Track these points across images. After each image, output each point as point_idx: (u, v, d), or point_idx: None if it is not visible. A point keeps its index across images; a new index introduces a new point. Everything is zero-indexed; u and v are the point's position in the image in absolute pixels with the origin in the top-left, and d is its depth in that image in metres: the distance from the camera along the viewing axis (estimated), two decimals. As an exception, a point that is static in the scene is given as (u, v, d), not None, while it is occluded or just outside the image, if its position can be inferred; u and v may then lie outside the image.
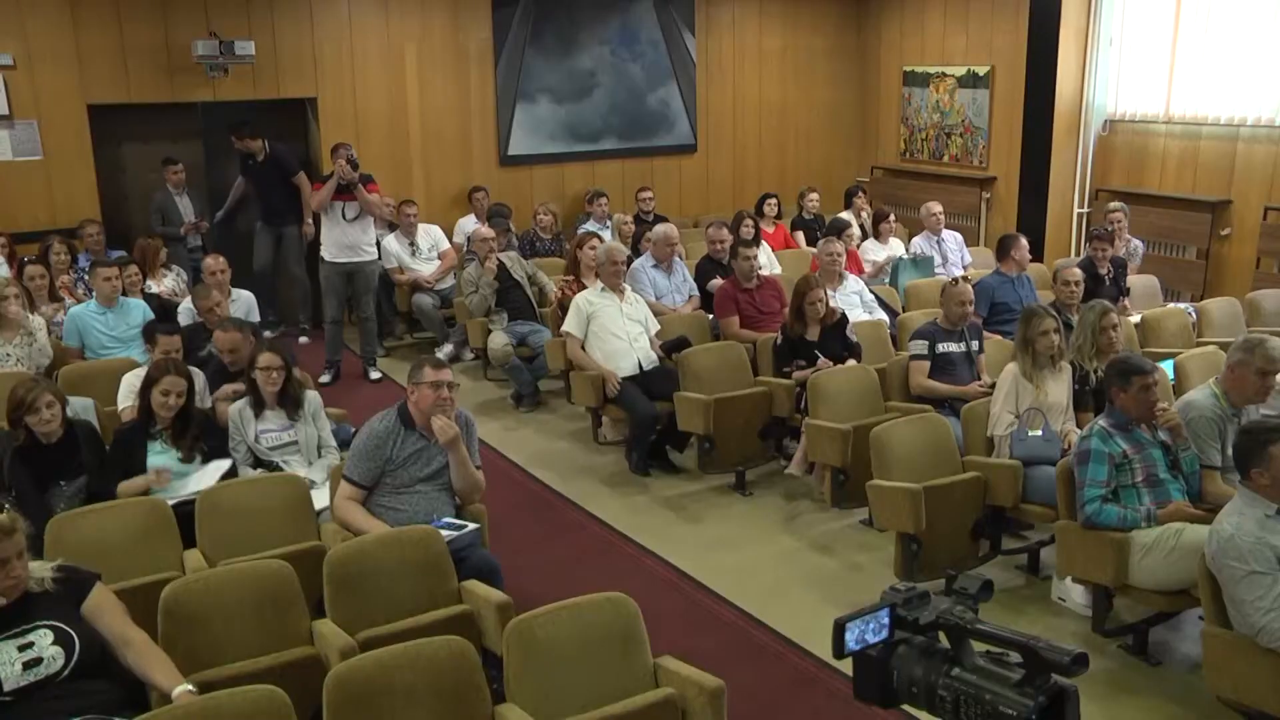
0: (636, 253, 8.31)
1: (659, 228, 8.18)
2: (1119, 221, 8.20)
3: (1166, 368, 5.60)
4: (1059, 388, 5.19)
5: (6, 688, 3.05)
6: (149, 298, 7.22)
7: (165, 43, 8.90)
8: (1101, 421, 4.46)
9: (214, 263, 7.03)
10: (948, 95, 10.98)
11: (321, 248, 8.23)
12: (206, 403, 5.44)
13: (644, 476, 6.46)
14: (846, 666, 2.04)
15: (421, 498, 4.38)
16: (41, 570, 3.28)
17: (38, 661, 3.11)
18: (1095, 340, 5.33)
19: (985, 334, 6.48)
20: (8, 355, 6.22)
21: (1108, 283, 7.44)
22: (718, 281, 7.63)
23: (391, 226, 9.21)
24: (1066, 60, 9.69)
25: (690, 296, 7.79)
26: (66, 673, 3.14)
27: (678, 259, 7.97)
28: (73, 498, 4.62)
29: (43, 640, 3.14)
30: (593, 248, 7.53)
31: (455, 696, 3.15)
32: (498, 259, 8.05)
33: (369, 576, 3.80)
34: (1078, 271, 6.58)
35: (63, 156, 8.76)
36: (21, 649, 3.11)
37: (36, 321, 6.48)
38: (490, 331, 7.92)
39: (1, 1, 8.38)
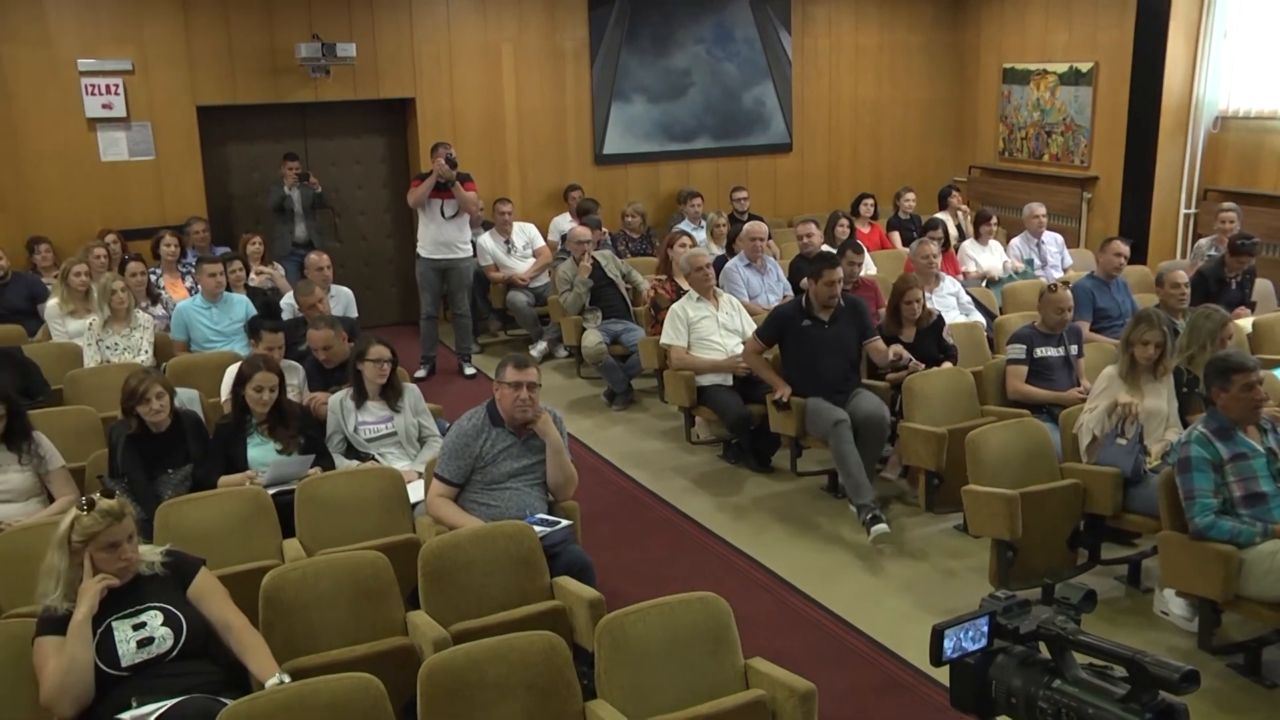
0: (731, 252, 8.29)
1: (745, 225, 8.15)
2: (1230, 222, 7.93)
3: (1279, 375, 5.40)
4: (1158, 397, 5.04)
5: (124, 663, 3.18)
6: (253, 292, 7.41)
7: (270, 45, 9.14)
8: (1201, 426, 4.30)
9: (318, 259, 7.20)
10: (1049, 93, 10.74)
11: (418, 244, 8.37)
12: (305, 396, 5.58)
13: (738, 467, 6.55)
14: (940, 674, 2.01)
15: (514, 494, 4.42)
16: (151, 554, 3.41)
17: (150, 641, 3.23)
18: (1212, 349, 5.14)
19: (1088, 337, 6.33)
20: (115, 345, 6.47)
21: (1233, 287, 7.17)
22: (811, 281, 7.57)
23: (486, 225, 9.33)
24: (1176, 55, 9.40)
25: (784, 296, 7.74)
26: (175, 652, 3.25)
27: (770, 259, 7.93)
28: (179, 485, 4.78)
29: (154, 621, 3.27)
30: (683, 245, 7.53)
31: (546, 691, 3.18)
32: (592, 258, 8.10)
33: (463, 570, 3.85)
34: (1183, 274, 6.38)
35: (173, 156, 9.05)
36: (135, 628, 3.24)
37: (143, 319, 6.70)
38: (584, 330, 7.97)
39: (122, 9, 8.71)
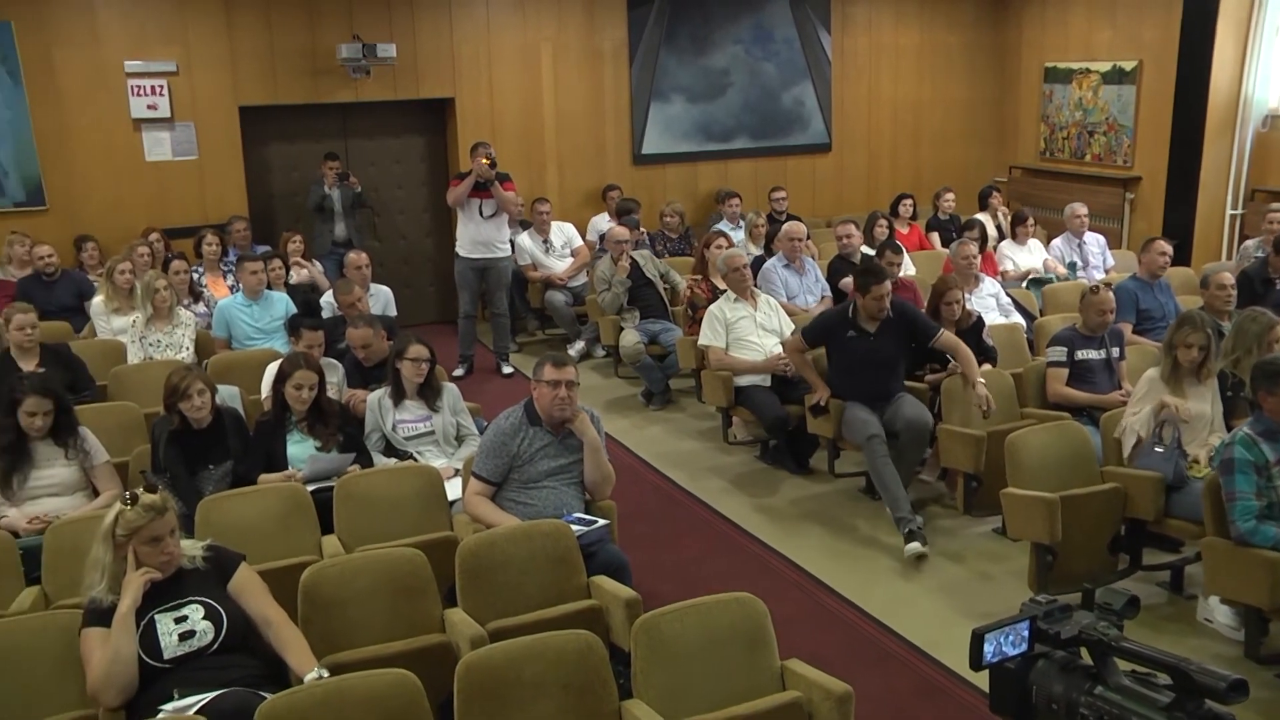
0: (769, 253, 8.27)
1: (784, 225, 8.13)
2: (1278, 223, 7.79)
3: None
4: (1201, 400, 4.96)
5: (166, 656, 3.23)
6: (293, 290, 7.48)
7: (312, 46, 9.21)
8: (1246, 428, 4.24)
9: (357, 258, 7.25)
10: (1091, 92, 10.63)
11: (456, 243, 8.41)
12: (344, 394, 5.62)
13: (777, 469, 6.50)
14: (978, 678, 2.00)
15: (551, 492, 4.43)
16: (193, 549, 3.46)
17: (191, 634, 3.28)
18: (1259, 353, 5.06)
19: (1130, 339, 6.24)
20: (158, 342, 6.55)
21: (1278, 288, 7.05)
22: (850, 281, 7.53)
23: (525, 224, 9.36)
24: (1224, 52, 9.27)
25: (823, 296, 7.71)
26: (216, 646, 3.30)
27: (809, 259, 7.90)
28: (220, 481, 4.83)
29: (195, 614, 3.32)
30: (720, 246, 7.52)
31: (582, 690, 3.18)
32: (630, 257, 8.11)
33: (500, 568, 3.86)
34: (1229, 276, 6.28)
35: (215, 156, 9.15)
36: (177, 621, 3.29)
37: (185, 316, 6.77)
38: (622, 329, 7.97)
39: (168, 11, 8.82)
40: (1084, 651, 1.95)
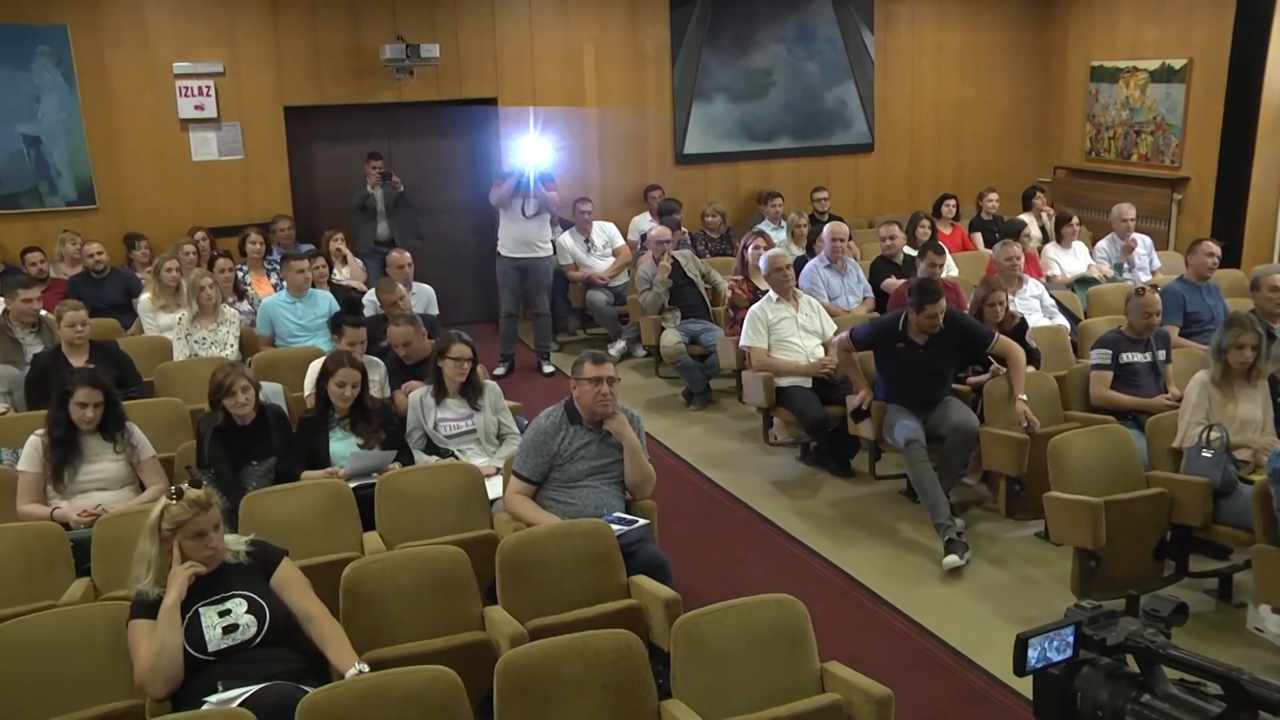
0: (811, 253, 8.23)
1: (826, 225, 8.10)
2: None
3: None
4: (1252, 404, 4.88)
5: (210, 648, 3.28)
6: (335, 288, 7.54)
7: (356, 47, 9.30)
8: None
9: (400, 257, 7.30)
10: (1138, 91, 10.48)
11: (498, 243, 8.45)
12: (387, 392, 5.66)
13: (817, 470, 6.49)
14: (1020, 684, 1.98)
15: (591, 491, 4.44)
16: (236, 544, 3.51)
17: (234, 627, 3.32)
18: None
19: (1177, 342, 6.16)
20: (204, 338, 6.63)
21: None
22: (893, 281, 7.49)
23: (566, 224, 9.38)
24: (1278, 50, 9.10)
25: (864, 297, 7.67)
26: (259, 640, 3.34)
27: (851, 260, 7.86)
28: (263, 477, 4.87)
29: (238, 608, 3.36)
30: (758, 247, 7.49)
31: (622, 689, 3.18)
32: (672, 257, 8.11)
33: (540, 567, 3.87)
34: (1280, 278, 6.17)
35: (260, 156, 9.26)
36: (221, 614, 3.34)
37: (229, 314, 6.85)
38: (663, 329, 7.97)
39: (216, 12, 8.94)
40: (1130, 659, 1.92)
